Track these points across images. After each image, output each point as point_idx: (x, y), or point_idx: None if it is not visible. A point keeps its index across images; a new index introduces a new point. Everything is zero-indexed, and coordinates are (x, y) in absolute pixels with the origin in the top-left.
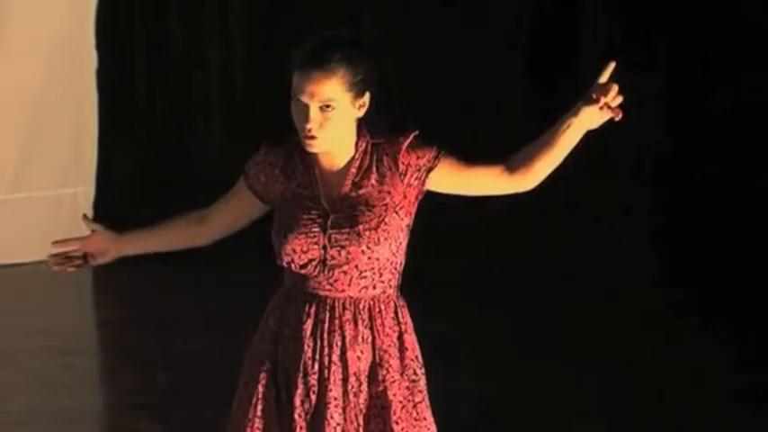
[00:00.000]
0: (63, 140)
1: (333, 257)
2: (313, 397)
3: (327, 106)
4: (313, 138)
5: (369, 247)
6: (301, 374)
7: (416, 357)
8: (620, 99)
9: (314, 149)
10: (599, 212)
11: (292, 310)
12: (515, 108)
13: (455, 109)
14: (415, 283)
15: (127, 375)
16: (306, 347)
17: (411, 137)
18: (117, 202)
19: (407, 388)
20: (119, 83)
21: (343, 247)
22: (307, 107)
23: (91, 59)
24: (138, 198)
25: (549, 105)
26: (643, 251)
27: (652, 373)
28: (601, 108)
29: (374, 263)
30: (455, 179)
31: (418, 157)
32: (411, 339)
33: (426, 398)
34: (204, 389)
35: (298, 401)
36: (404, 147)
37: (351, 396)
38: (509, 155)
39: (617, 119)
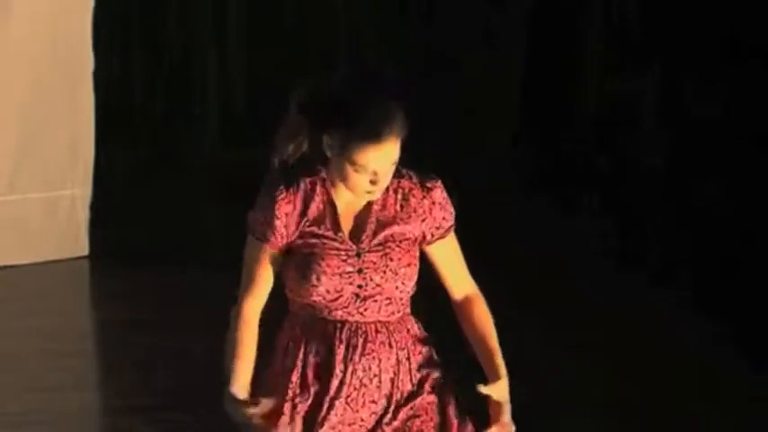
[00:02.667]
0: (59, 142)
1: (366, 291)
2: (347, 416)
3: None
4: (377, 190)
5: (403, 283)
6: (339, 399)
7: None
8: None
9: (375, 197)
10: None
11: (317, 339)
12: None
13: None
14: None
15: (125, 377)
16: (338, 372)
17: (441, 187)
18: (114, 204)
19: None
20: (116, 84)
21: (378, 284)
22: (375, 171)
23: (88, 60)
24: (134, 200)
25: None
26: (641, 247)
27: (650, 372)
28: None
29: (403, 293)
30: (442, 259)
31: (444, 218)
32: (429, 348)
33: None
34: (203, 390)
35: (335, 420)
36: (436, 200)
37: (384, 421)
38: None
39: None
